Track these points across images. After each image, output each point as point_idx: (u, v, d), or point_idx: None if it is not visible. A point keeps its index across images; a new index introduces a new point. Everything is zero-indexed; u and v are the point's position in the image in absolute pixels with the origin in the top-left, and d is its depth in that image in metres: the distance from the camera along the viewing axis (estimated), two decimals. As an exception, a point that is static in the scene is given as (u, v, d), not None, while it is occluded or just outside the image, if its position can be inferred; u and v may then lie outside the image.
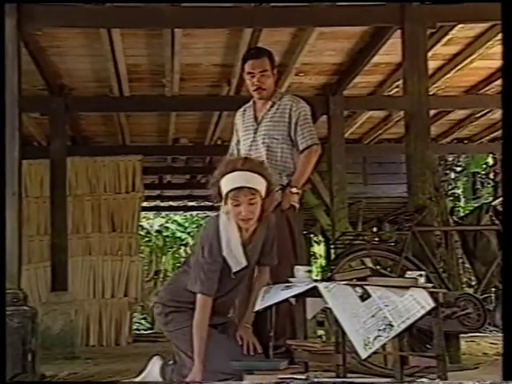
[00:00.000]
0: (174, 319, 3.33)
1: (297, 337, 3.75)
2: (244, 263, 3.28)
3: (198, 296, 3.24)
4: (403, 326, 2.89)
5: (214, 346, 3.24)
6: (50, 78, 6.65)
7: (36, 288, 8.30)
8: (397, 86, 7.09)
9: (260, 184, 3.23)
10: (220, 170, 3.25)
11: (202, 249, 3.27)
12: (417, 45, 4.94)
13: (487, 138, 9.51)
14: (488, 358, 5.21)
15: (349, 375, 3.27)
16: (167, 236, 16.55)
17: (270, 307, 3.34)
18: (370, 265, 4.58)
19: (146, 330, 12.13)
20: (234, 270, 3.28)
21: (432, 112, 7.12)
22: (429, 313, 2.97)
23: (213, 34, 5.80)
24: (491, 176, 12.03)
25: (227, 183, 3.20)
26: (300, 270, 3.36)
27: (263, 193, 3.25)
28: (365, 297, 2.99)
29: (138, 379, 3.50)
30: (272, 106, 4.22)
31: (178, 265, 15.18)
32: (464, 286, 7.69)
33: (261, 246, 3.42)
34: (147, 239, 15.88)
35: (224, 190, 3.21)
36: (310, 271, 3.39)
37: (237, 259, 3.26)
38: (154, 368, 3.44)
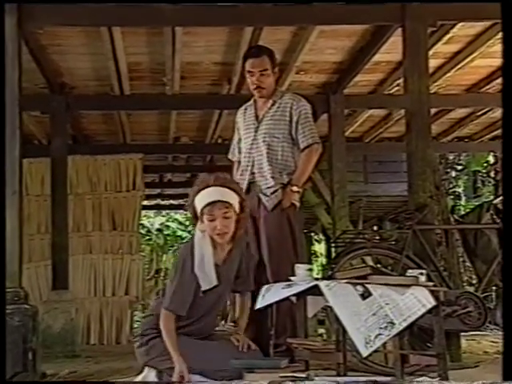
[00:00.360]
0: (155, 345, 3.32)
1: (297, 335, 3.75)
2: (214, 282, 3.30)
3: (163, 311, 3.28)
4: (404, 325, 2.89)
5: (204, 350, 3.24)
6: (51, 76, 6.65)
7: (37, 286, 8.30)
8: (397, 85, 7.09)
9: (233, 199, 3.33)
10: (193, 190, 3.34)
11: (175, 266, 3.34)
12: (417, 43, 4.93)
13: (488, 136, 9.50)
14: (489, 357, 5.21)
15: (349, 373, 3.27)
16: (168, 234, 16.56)
17: (270, 305, 3.35)
18: (371, 263, 4.58)
19: (146, 329, 12.12)
20: (203, 289, 3.29)
21: (433, 110, 7.12)
22: (429, 311, 2.97)
23: (213, 33, 5.80)
24: (492, 174, 12.03)
25: (201, 200, 3.29)
26: (301, 269, 3.37)
27: (237, 208, 3.35)
28: (366, 295, 2.99)
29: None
30: (273, 105, 4.22)
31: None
32: (465, 284, 7.69)
33: (236, 269, 3.45)
34: (148, 238, 15.89)
35: (199, 207, 3.30)
36: (310, 269, 3.39)
37: (208, 277, 3.29)
38: (150, 373, 3.42)
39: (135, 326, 8.41)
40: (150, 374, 3.32)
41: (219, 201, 3.28)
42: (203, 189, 3.30)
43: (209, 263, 3.28)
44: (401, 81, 6.28)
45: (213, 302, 3.38)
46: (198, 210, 3.29)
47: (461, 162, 12.59)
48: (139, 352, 3.38)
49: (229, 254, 3.41)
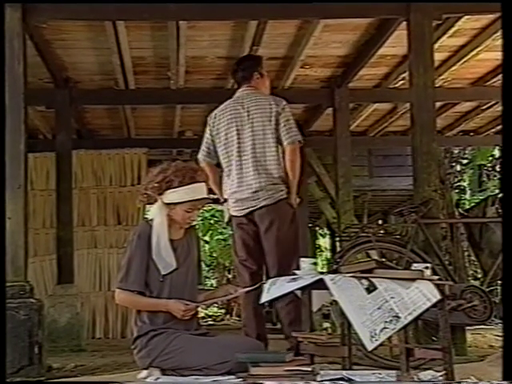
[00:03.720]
0: (155, 345, 3.26)
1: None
2: (174, 264, 3.30)
3: (117, 290, 3.29)
4: (410, 318, 2.89)
5: (206, 345, 3.23)
6: (56, 70, 6.65)
7: (42, 281, 8.34)
8: (402, 79, 7.07)
9: None
10: (176, 179, 3.31)
11: (129, 248, 3.32)
12: (423, 37, 4.92)
13: (493, 130, 9.48)
14: (494, 351, 5.21)
15: (355, 367, 3.28)
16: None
17: (275, 299, 3.35)
18: (376, 257, 4.58)
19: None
20: (164, 273, 3.28)
21: (438, 104, 7.10)
22: (435, 305, 2.96)
23: (218, 27, 5.79)
24: (497, 168, 12.00)
25: (187, 193, 3.31)
26: (306, 263, 3.37)
27: None
28: (371, 289, 2.98)
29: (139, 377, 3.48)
30: None
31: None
32: (470, 278, 7.68)
33: (196, 254, 3.46)
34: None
35: (183, 198, 3.30)
36: (315, 263, 3.39)
37: (166, 261, 3.28)
38: (154, 371, 3.39)
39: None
40: (154, 372, 3.30)
41: (206, 198, 3.38)
42: (191, 183, 3.32)
43: (166, 247, 3.29)
44: (406, 74, 6.27)
45: (179, 287, 3.34)
46: (179, 200, 3.31)
47: (466, 155, 12.56)
48: (140, 356, 3.30)
49: (184, 234, 3.43)
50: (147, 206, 3.50)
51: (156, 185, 3.35)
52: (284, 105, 4.17)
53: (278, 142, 4.12)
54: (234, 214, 4.18)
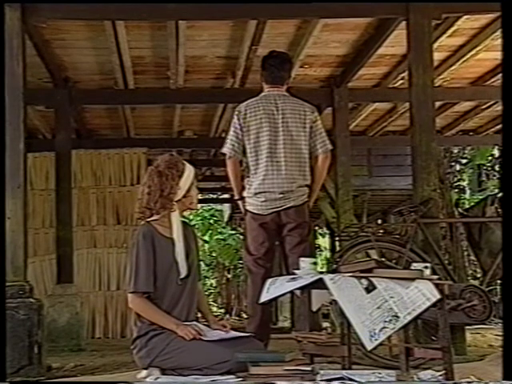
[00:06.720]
0: (155, 344, 3.25)
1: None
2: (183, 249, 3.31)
3: (131, 296, 3.25)
4: (409, 318, 2.89)
5: (204, 344, 3.22)
6: (55, 70, 6.66)
7: (42, 280, 8.34)
8: (402, 78, 7.08)
9: None
10: (174, 169, 3.33)
11: (135, 249, 3.29)
12: (422, 36, 4.92)
13: (493, 129, 9.49)
14: (493, 350, 5.22)
15: (354, 367, 3.28)
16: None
17: (275, 299, 3.35)
18: (375, 257, 4.58)
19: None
20: (182, 276, 3.28)
21: (437, 104, 7.10)
22: (434, 305, 2.97)
23: (217, 26, 5.80)
24: (497, 168, 12.02)
25: (189, 172, 3.36)
26: (305, 262, 3.37)
27: None
28: (370, 288, 2.98)
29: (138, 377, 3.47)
30: None
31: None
32: (469, 278, 7.69)
33: (192, 258, 3.45)
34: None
35: (190, 177, 3.36)
36: (315, 263, 3.39)
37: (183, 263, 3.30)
38: (154, 371, 3.39)
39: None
40: (153, 372, 3.30)
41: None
42: (184, 169, 3.36)
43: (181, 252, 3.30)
44: (405, 74, 6.27)
45: (183, 286, 3.34)
46: (190, 182, 3.35)
47: (465, 155, 12.57)
48: (140, 356, 3.28)
49: (183, 231, 3.41)
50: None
51: (175, 188, 3.32)
52: (317, 113, 4.31)
53: (309, 148, 4.24)
54: (258, 212, 4.18)
